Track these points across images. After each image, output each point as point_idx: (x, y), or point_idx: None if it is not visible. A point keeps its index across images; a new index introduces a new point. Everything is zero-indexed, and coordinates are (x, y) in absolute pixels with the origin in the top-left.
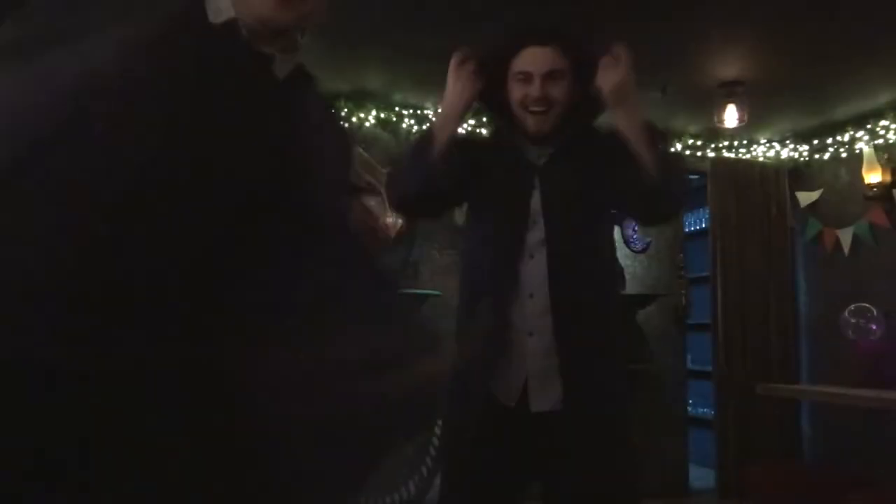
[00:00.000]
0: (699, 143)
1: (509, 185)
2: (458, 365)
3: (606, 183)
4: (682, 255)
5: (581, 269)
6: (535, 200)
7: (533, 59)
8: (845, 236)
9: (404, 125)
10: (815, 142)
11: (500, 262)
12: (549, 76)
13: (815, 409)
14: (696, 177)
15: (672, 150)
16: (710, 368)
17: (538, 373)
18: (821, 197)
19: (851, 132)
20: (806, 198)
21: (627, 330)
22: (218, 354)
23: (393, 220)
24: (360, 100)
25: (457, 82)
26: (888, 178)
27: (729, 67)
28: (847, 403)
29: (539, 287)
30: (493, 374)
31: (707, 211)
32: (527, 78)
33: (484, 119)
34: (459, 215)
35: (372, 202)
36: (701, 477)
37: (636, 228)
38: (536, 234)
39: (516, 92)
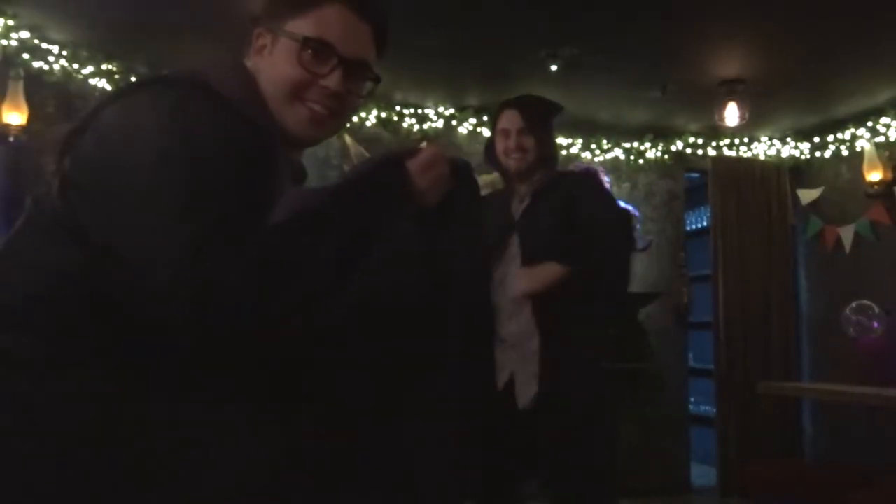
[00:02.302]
0: (700, 141)
1: (496, 232)
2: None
3: (571, 229)
4: (683, 253)
5: (550, 294)
6: (514, 242)
7: (509, 119)
8: (846, 234)
9: (405, 124)
10: (816, 139)
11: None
12: (521, 132)
13: (816, 407)
14: (696, 175)
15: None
16: (711, 366)
17: (518, 376)
18: (822, 195)
19: (852, 129)
20: (807, 196)
21: (627, 330)
22: None
23: None
24: None
25: None
26: (889, 176)
27: (729, 65)
28: (848, 401)
29: (515, 309)
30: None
31: (708, 209)
32: (505, 133)
33: (485, 118)
34: None
35: None
36: (702, 475)
37: (638, 227)
38: (514, 266)
39: (500, 144)
